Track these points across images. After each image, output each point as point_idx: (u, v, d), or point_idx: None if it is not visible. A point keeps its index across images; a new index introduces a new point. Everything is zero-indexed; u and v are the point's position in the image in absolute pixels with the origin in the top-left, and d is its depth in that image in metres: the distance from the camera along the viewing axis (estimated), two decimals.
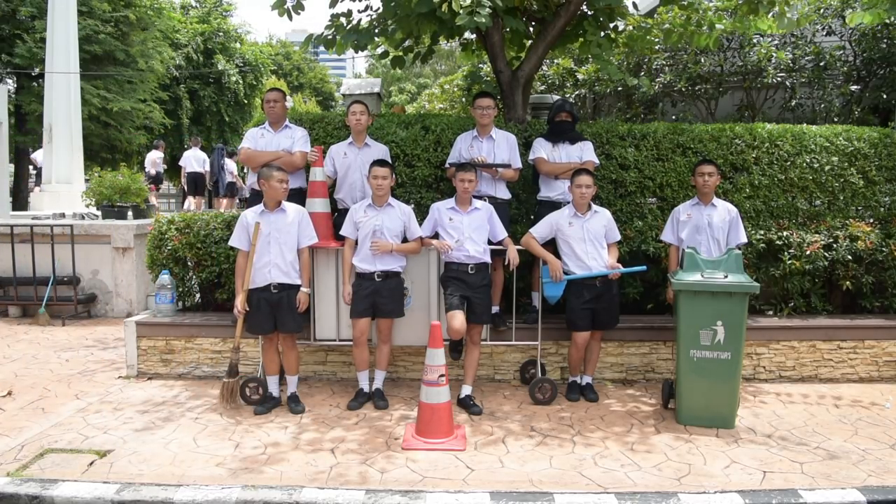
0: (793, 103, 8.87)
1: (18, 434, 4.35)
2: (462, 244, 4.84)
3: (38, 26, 16.90)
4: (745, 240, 5.17)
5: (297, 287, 4.81)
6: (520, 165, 5.44)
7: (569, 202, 5.09)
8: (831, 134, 6.22)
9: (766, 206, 6.02)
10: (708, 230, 5.05)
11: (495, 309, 5.36)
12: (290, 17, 5.98)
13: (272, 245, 4.72)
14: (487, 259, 4.95)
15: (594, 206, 5.07)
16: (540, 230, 5.08)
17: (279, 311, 4.74)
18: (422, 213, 5.51)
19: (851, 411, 4.92)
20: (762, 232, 5.76)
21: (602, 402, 5.08)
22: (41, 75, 16.39)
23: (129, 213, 8.95)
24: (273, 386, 4.92)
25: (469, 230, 4.87)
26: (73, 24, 13.85)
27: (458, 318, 4.71)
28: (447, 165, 5.49)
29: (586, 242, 4.95)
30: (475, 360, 4.97)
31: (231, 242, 4.88)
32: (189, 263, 5.89)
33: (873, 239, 5.76)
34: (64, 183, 13.05)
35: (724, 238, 5.08)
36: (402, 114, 7.12)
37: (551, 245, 5.11)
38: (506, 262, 4.99)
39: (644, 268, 5.17)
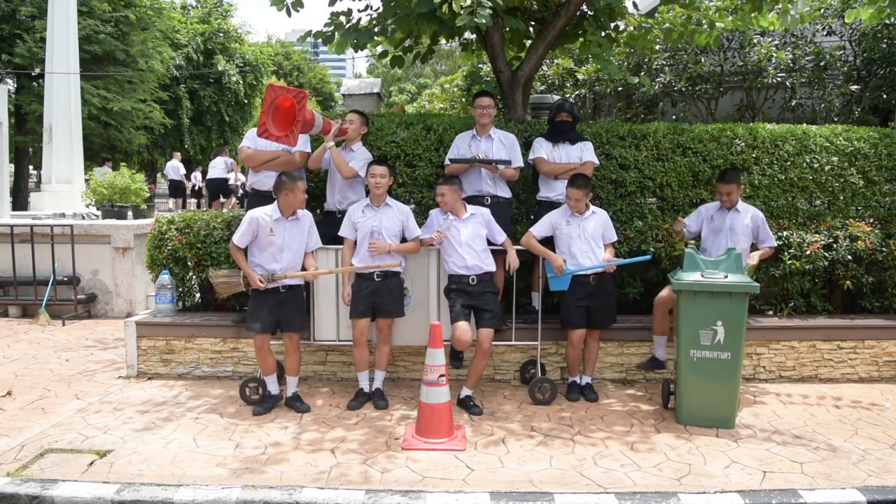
0: (793, 103, 8.87)
1: (18, 434, 4.35)
2: (460, 251, 4.82)
3: (38, 26, 16.92)
4: (773, 243, 5.16)
5: (301, 286, 4.83)
6: (521, 164, 5.42)
7: None
8: (831, 134, 6.22)
9: (766, 206, 6.01)
10: (729, 234, 5.02)
11: None
12: (289, 14, 5.98)
13: (285, 252, 4.69)
14: (489, 268, 4.92)
15: (592, 207, 5.08)
16: (539, 229, 5.08)
17: (284, 310, 4.73)
18: (423, 214, 5.52)
19: (851, 411, 4.92)
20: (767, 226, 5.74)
21: (602, 402, 5.08)
22: (41, 75, 16.43)
23: (129, 213, 8.96)
24: (272, 385, 4.90)
25: (466, 237, 4.86)
26: (73, 24, 13.86)
27: (463, 329, 4.68)
28: (446, 161, 5.47)
29: (582, 241, 4.96)
30: (481, 368, 4.86)
31: (240, 242, 4.68)
32: (189, 263, 5.89)
33: (873, 239, 5.76)
34: (64, 183, 13.07)
35: (746, 243, 5.04)
36: (402, 114, 7.11)
37: (551, 243, 5.11)
38: (506, 267, 4.98)
39: (648, 257, 5.17)
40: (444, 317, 5.04)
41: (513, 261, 4.93)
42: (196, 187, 21.96)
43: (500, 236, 5.04)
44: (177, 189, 20.11)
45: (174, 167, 20.05)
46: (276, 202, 4.72)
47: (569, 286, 4.96)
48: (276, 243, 4.67)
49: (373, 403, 4.95)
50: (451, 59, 34.75)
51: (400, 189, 5.76)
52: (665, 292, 5.12)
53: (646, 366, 5.34)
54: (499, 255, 5.16)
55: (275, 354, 4.93)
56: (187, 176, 22.21)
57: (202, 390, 5.30)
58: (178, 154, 21.67)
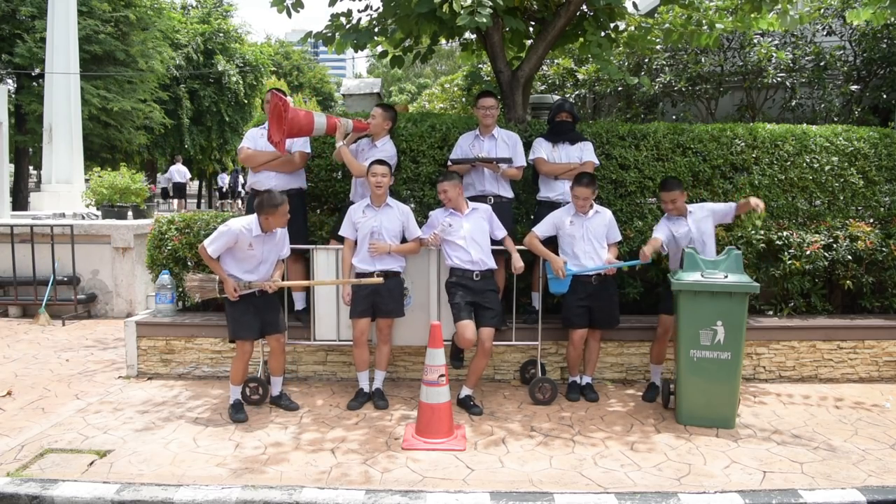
0: (793, 103, 8.87)
1: (18, 434, 4.35)
2: (463, 245, 4.82)
3: (38, 26, 16.92)
4: (733, 208, 5.07)
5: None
6: (524, 163, 5.41)
7: (569, 202, 5.09)
8: (831, 134, 6.22)
9: (766, 206, 6.00)
10: (702, 237, 4.94)
11: None
12: (290, 15, 5.98)
13: (263, 265, 4.69)
14: (492, 264, 4.92)
15: (596, 206, 5.08)
16: (543, 228, 5.08)
17: (266, 313, 4.74)
18: (424, 212, 5.51)
19: (851, 411, 4.92)
20: (762, 232, 5.75)
21: (602, 402, 5.08)
22: (41, 75, 16.43)
23: (129, 213, 8.96)
24: (237, 394, 4.80)
25: (469, 231, 4.85)
26: (73, 24, 13.86)
27: (470, 328, 4.68)
28: (449, 162, 5.48)
29: (585, 241, 4.96)
30: (481, 368, 4.85)
31: (215, 254, 4.54)
32: (189, 263, 5.89)
33: (873, 239, 5.76)
34: (64, 183, 13.06)
35: (713, 236, 5.02)
36: (406, 112, 7.11)
37: (553, 243, 5.11)
38: (512, 269, 4.94)
39: (649, 259, 5.13)
40: (445, 317, 5.04)
41: (518, 264, 4.86)
42: (224, 189, 25.32)
43: (500, 232, 5.03)
44: (179, 191, 21.68)
45: (178, 171, 21.72)
46: (255, 216, 4.61)
47: (571, 286, 4.96)
48: (256, 257, 4.64)
49: (373, 403, 4.95)
50: (451, 59, 34.75)
51: (403, 186, 5.75)
52: (663, 326, 5.07)
53: (648, 396, 5.15)
54: (499, 254, 5.16)
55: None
56: (213, 180, 25.42)
57: (202, 390, 5.30)
58: (180, 157, 23.42)
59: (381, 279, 4.79)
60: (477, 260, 4.81)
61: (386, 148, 5.33)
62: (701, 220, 5.03)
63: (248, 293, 4.65)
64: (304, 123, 5.05)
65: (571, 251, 4.98)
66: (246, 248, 4.59)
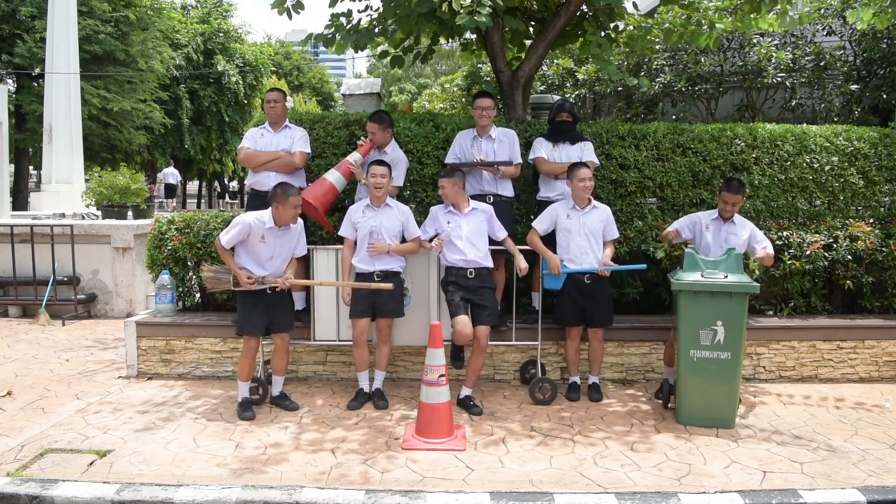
0: (793, 103, 8.86)
1: (18, 434, 4.35)
2: (460, 246, 4.81)
3: (38, 26, 16.93)
4: (771, 249, 4.92)
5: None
6: (520, 161, 5.43)
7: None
8: (831, 134, 6.22)
9: (766, 206, 6.01)
10: (724, 247, 4.87)
11: None
12: (290, 17, 5.98)
13: (275, 259, 4.68)
14: (489, 264, 4.92)
15: (594, 202, 5.07)
16: (542, 223, 5.08)
17: (275, 311, 4.74)
18: (426, 213, 5.51)
19: (851, 411, 4.92)
20: (762, 232, 5.74)
21: (602, 402, 5.08)
22: (41, 75, 16.44)
23: (129, 213, 8.96)
24: (245, 391, 4.79)
25: (466, 232, 4.85)
26: (73, 24, 13.87)
27: (464, 323, 4.68)
28: (446, 163, 5.47)
29: (581, 236, 4.95)
30: (479, 366, 4.85)
31: (228, 244, 4.60)
32: (189, 263, 5.89)
33: (873, 239, 5.76)
34: (64, 183, 13.07)
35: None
36: (410, 112, 7.11)
37: (552, 238, 5.10)
38: (516, 271, 4.93)
39: (644, 266, 5.15)
40: (445, 317, 5.04)
41: (522, 265, 4.87)
42: (230, 190, 28.23)
43: (501, 233, 5.03)
44: (172, 192, 24.17)
45: (171, 173, 24.32)
46: (270, 209, 4.65)
47: (564, 284, 4.97)
48: (266, 251, 4.64)
49: (373, 403, 4.95)
50: (451, 59, 34.74)
51: (409, 187, 5.74)
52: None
53: (662, 393, 5.07)
54: (499, 254, 5.16)
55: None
56: (218, 181, 28.68)
57: (202, 390, 5.30)
58: (172, 161, 26.03)
59: (390, 285, 4.77)
60: (472, 259, 4.81)
61: (395, 155, 5.35)
62: (740, 239, 4.85)
63: (260, 289, 4.66)
64: (332, 196, 5.26)
65: (567, 245, 4.98)
66: (258, 241, 4.61)
